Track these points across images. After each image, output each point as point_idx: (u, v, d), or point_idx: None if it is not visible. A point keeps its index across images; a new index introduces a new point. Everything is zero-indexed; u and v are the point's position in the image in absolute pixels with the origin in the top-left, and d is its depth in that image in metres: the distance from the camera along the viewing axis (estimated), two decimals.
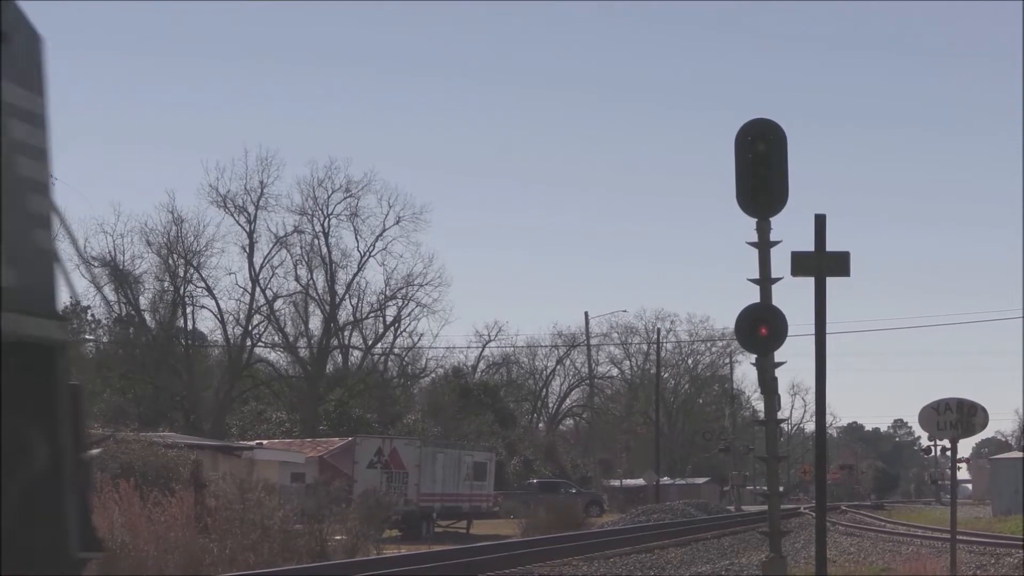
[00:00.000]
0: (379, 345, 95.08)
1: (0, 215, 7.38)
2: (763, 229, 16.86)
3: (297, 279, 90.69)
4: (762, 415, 17.74)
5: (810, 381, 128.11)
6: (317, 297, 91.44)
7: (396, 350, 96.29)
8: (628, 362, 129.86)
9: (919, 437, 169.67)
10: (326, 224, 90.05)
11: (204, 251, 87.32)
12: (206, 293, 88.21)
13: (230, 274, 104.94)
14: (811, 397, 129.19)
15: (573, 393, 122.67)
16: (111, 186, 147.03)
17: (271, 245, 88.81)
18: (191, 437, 57.28)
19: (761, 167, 16.74)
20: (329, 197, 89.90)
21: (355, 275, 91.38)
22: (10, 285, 7.22)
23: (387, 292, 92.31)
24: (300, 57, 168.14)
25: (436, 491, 56.21)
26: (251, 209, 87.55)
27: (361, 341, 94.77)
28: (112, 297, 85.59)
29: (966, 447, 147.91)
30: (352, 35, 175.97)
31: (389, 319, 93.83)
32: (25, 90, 9.28)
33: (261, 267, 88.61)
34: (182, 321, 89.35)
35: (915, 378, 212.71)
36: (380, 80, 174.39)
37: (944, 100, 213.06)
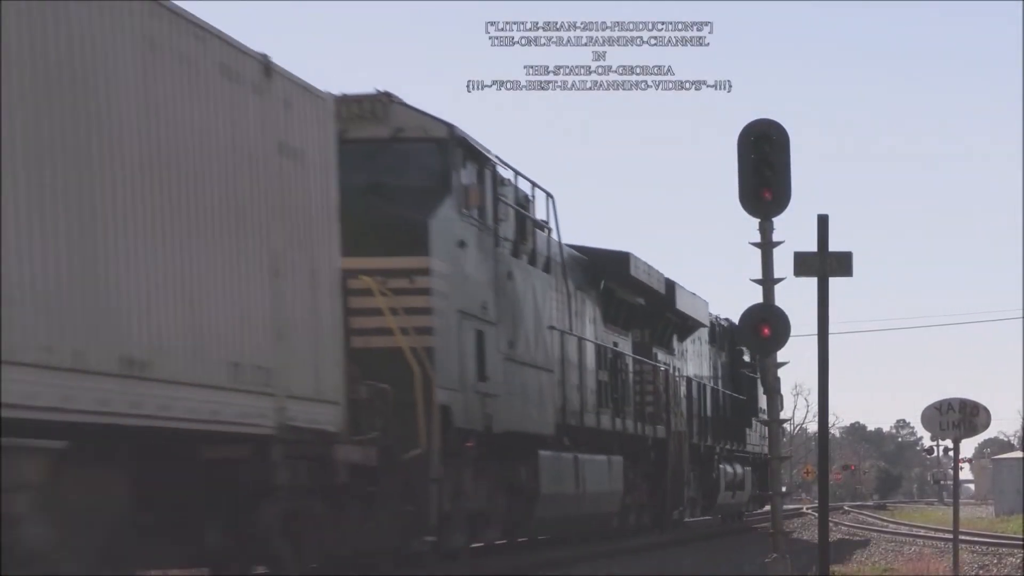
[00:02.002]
0: None
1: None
2: (766, 229, 16.90)
3: None
4: (765, 415, 17.77)
5: (812, 381, 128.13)
6: None
7: None
8: None
9: (921, 437, 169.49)
10: None
11: None
12: None
13: None
14: (813, 397, 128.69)
15: None
16: None
17: None
18: None
19: (764, 167, 16.79)
20: None
21: None
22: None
23: None
24: None
25: None
26: None
27: None
28: None
29: (968, 447, 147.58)
30: None
31: None
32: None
33: None
34: None
35: (917, 378, 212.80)
36: None
37: (945, 100, 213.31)
